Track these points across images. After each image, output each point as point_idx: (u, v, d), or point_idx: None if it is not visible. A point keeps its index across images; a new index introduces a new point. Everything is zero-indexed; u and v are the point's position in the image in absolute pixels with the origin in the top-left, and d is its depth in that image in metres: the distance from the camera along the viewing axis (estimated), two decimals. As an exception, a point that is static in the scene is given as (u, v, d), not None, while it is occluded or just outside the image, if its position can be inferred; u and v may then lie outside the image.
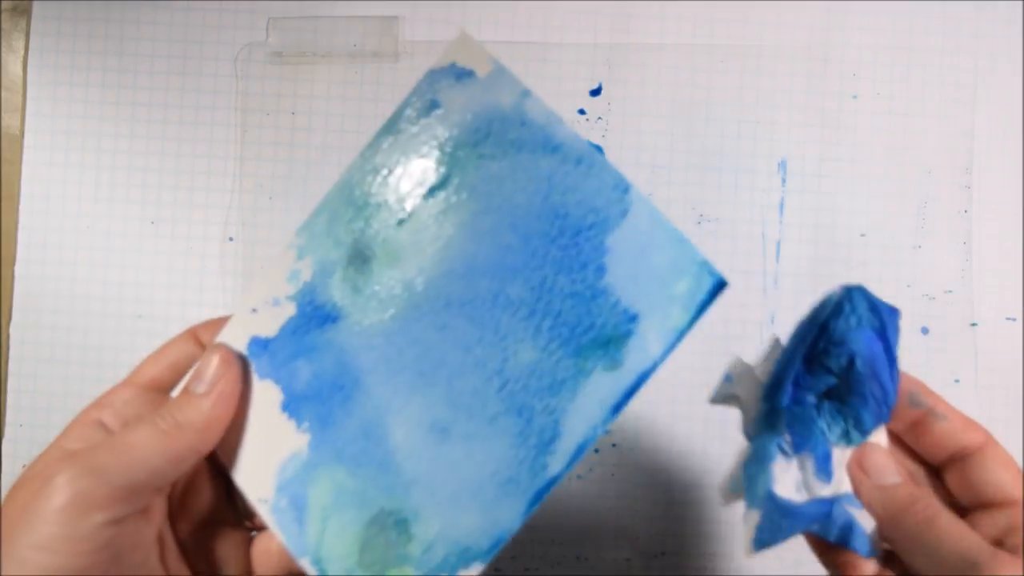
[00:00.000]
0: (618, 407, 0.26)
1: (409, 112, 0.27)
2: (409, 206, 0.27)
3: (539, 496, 0.26)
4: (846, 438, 0.29)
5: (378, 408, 0.27)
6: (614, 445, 0.46)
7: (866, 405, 0.28)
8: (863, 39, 0.47)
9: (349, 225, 0.28)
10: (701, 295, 0.26)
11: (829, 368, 0.28)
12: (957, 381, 0.47)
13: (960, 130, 0.47)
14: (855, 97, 0.47)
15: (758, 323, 0.46)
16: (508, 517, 0.26)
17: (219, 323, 0.29)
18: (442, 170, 0.27)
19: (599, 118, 0.47)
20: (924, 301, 0.47)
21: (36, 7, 0.48)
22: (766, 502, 0.28)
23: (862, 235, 0.47)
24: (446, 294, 0.27)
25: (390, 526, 0.26)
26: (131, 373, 0.29)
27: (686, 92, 0.47)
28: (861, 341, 0.27)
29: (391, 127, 0.28)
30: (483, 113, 0.27)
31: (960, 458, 0.28)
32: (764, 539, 0.28)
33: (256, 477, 0.27)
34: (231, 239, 0.47)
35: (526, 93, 0.27)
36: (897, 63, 0.47)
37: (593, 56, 0.47)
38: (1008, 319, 0.47)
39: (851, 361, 0.28)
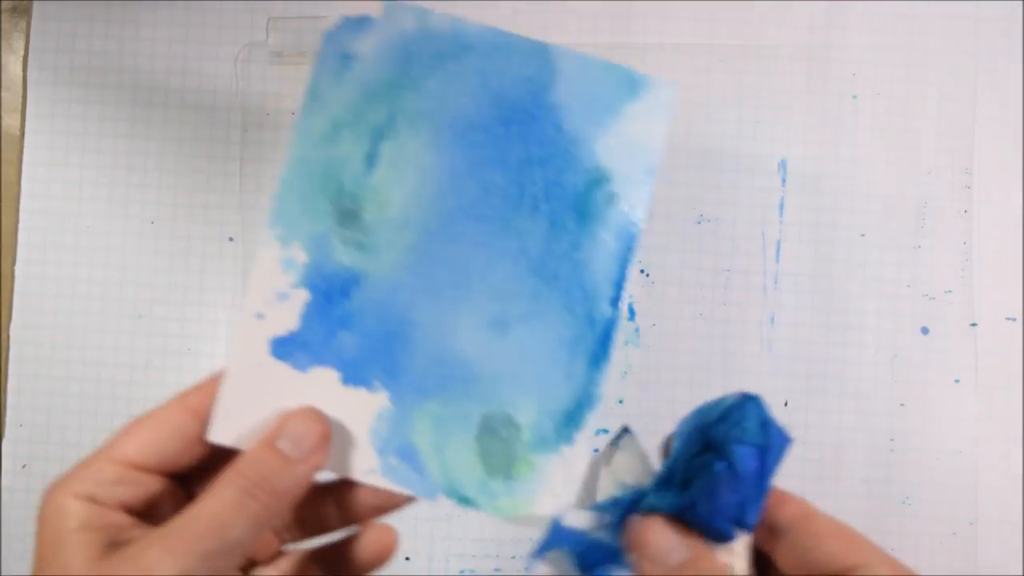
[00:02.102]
0: (632, 234, 0.28)
1: (326, 77, 0.28)
2: (374, 151, 0.28)
3: (606, 340, 0.28)
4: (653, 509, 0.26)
5: (435, 333, 0.28)
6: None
7: (715, 513, 0.25)
8: (863, 39, 0.47)
9: (322, 193, 0.28)
10: (660, 106, 0.28)
11: (693, 465, 0.26)
12: (957, 381, 0.47)
13: (960, 130, 0.47)
14: (855, 97, 0.47)
15: (758, 323, 0.46)
16: (590, 370, 0.28)
17: (211, 385, 0.27)
18: (384, 109, 0.28)
19: (599, 118, 0.47)
20: (924, 301, 0.47)
21: (36, 7, 0.48)
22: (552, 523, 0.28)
23: (862, 235, 0.47)
24: (444, 208, 0.28)
25: (498, 427, 0.28)
26: (111, 443, 0.26)
27: (686, 92, 0.47)
28: (737, 454, 0.25)
29: (315, 95, 0.28)
30: (397, 45, 0.28)
31: (780, 533, 0.26)
32: (541, 547, 0.28)
33: (352, 456, 0.27)
34: (231, 239, 0.47)
35: (422, 12, 0.28)
36: (897, 63, 0.47)
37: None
38: (1008, 319, 0.47)
39: (716, 462, 0.25)
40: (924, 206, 0.47)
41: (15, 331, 0.47)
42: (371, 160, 0.28)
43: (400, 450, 0.27)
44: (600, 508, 0.28)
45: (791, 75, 0.47)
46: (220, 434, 0.27)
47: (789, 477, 0.47)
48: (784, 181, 0.47)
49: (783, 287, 0.47)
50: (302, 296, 0.28)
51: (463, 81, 0.28)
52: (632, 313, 0.47)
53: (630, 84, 0.28)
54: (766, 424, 0.26)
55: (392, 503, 0.28)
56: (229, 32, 0.47)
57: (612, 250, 0.28)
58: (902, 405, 0.46)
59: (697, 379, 0.46)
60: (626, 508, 0.27)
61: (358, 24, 0.28)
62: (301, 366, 0.27)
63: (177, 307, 0.47)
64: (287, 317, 0.28)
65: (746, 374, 0.46)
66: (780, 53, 0.47)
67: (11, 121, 0.48)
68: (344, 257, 0.28)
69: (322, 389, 0.27)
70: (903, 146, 0.47)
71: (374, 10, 0.47)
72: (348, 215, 0.28)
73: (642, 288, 0.47)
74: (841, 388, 0.46)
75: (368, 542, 0.28)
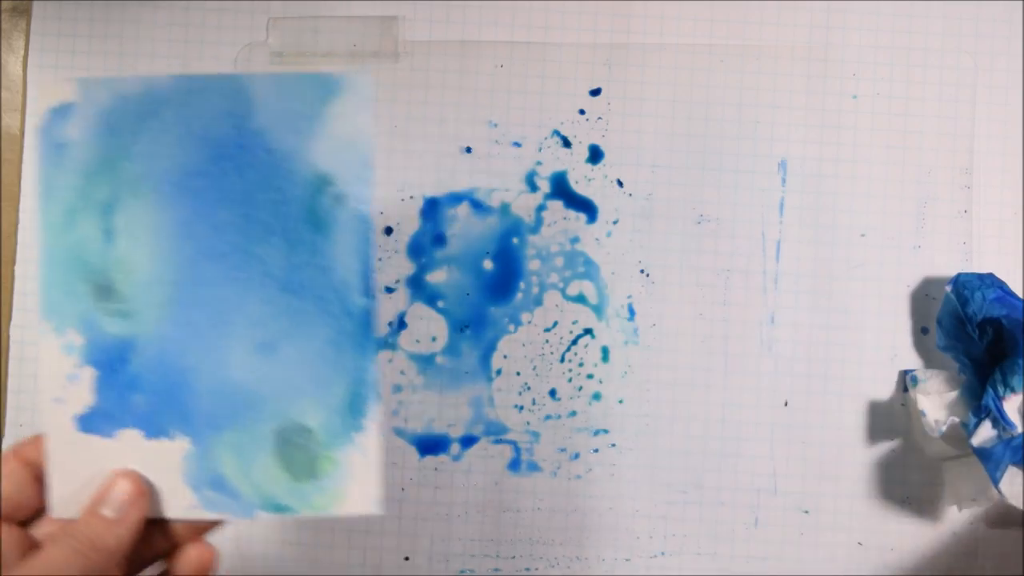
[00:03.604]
0: (364, 225, 0.30)
1: (48, 170, 0.30)
2: (108, 225, 0.30)
3: (366, 328, 0.30)
4: (1011, 388, 0.40)
5: (213, 371, 0.30)
6: (613, 445, 0.46)
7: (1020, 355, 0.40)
8: (863, 39, 0.47)
9: (76, 277, 0.30)
10: (358, 97, 0.29)
11: (975, 341, 0.42)
12: (957, 381, 0.46)
13: (960, 130, 0.47)
14: (855, 97, 0.47)
15: (758, 323, 0.46)
16: (358, 360, 0.30)
17: (39, 440, 0.31)
18: (107, 185, 0.30)
19: (599, 118, 0.47)
20: (924, 301, 0.47)
21: (36, 7, 0.48)
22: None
23: (862, 235, 0.47)
24: (186, 257, 0.30)
25: (293, 436, 0.30)
26: None
27: (686, 92, 0.47)
28: (993, 307, 0.41)
29: (44, 190, 0.30)
30: (100, 120, 0.30)
31: None
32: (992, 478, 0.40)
33: (171, 499, 0.31)
34: (231, 239, 0.47)
35: (111, 81, 0.30)
36: (897, 63, 0.47)
37: (593, 56, 0.47)
38: (1008, 319, 0.47)
39: (996, 327, 0.41)
40: (924, 206, 0.47)
41: (15, 331, 0.47)
42: (109, 235, 0.30)
43: (212, 482, 0.30)
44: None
45: (791, 75, 0.47)
46: (60, 509, 0.30)
47: (790, 477, 0.48)
48: (784, 181, 0.47)
49: (783, 287, 0.47)
50: (89, 373, 0.30)
51: (167, 134, 0.30)
52: (632, 313, 0.47)
53: (324, 87, 0.30)
54: (988, 279, 0.42)
55: (211, 525, 0.32)
56: (229, 32, 0.47)
57: (351, 246, 0.30)
58: (902, 405, 0.46)
59: (697, 379, 0.46)
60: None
61: (62, 112, 0.30)
62: (107, 433, 0.30)
63: (177, 307, 0.47)
64: (82, 395, 0.30)
65: (746, 374, 0.46)
66: (780, 53, 0.47)
67: (11, 121, 0.48)
68: (113, 328, 0.30)
69: (131, 448, 0.30)
70: (903, 146, 0.47)
71: (373, 10, 0.47)
72: (104, 290, 0.30)
73: (642, 288, 0.47)
74: (841, 388, 0.46)
75: (188, 560, 0.31)
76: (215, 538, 0.32)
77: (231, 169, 0.30)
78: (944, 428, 0.42)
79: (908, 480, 0.46)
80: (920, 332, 0.46)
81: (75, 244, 0.30)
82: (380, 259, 0.47)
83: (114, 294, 0.30)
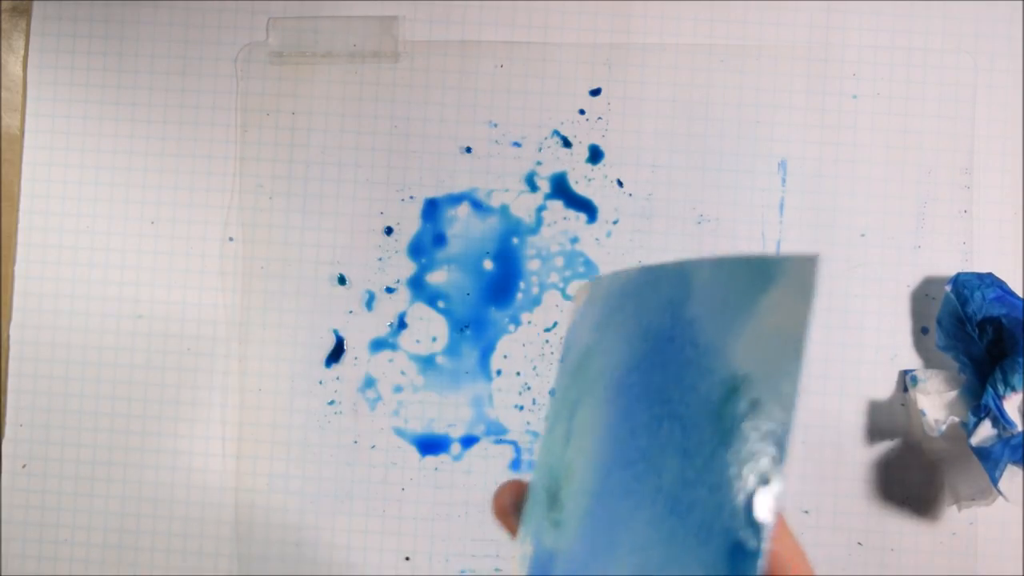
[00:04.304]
0: (779, 441, 0.23)
1: (560, 376, 0.29)
2: (570, 427, 0.28)
3: (748, 569, 0.23)
4: (1011, 387, 0.41)
5: None
6: (614, 445, 0.46)
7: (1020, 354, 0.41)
8: (863, 39, 0.47)
9: (543, 483, 0.28)
10: (799, 285, 0.23)
11: (975, 341, 0.43)
12: (957, 381, 0.46)
13: (960, 130, 0.47)
14: (855, 97, 0.47)
15: (758, 323, 0.46)
16: None
17: None
18: (578, 386, 0.28)
19: (599, 118, 0.47)
20: (924, 301, 0.47)
21: (36, 7, 0.48)
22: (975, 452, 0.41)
23: (862, 235, 0.47)
24: (604, 465, 0.26)
25: None
26: None
27: (686, 92, 0.47)
28: (993, 307, 0.42)
29: (553, 392, 0.28)
30: (594, 319, 0.28)
31: None
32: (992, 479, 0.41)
33: None
34: (231, 239, 0.47)
35: (605, 280, 0.28)
36: (897, 63, 0.47)
37: (593, 56, 0.47)
38: (1008, 319, 0.47)
39: (996, 326, 0.42)
40: (924, 206, 0.47)
41: (15, 331, 0.47)
42: (567, 437, 0.27)
43: None
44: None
45: (791, 75, 0.47)
46: None
47: (790, 477, 0.48)
48: (784, 181, 0.47)
49: (783, 287, 0.47)
50: None
51: (623, 329, 0.27)
52: (632, 313, 0.47)
53: (763, 273, 0.23)
54: (991, 279, 0.43)
55: None
56: (229, 32, 0.47)
57: (753, 464, 0.23)
58: (902, 405, 0.46)
59: (697, 379, 0.46)
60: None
61: (582, 319, 0.28)
62: None
63: (177, 307, 0.47)
64: None
65: (746, 374, 0.46)
66: (780, 53, 0.47)
67: (11, 121, 0.48)
68: (548, 539, 0.27)
69: None
70: (903, 146, 0.47)
71: (373, 10, 0.47)
72: (553, 498, 0.27)
73: (642, 288, 0.47)
74: (841, 388, 0.46)
75: None
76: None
77: (658, 364, 0.25)
78: (944, 428, 0.42)
79: (908, 480, 0.46)
80: (920, 332, 0.46)
81: (548, 449, 0.28)
82: (380, 259, 0.47)
83: (557, 503, 0.27)
